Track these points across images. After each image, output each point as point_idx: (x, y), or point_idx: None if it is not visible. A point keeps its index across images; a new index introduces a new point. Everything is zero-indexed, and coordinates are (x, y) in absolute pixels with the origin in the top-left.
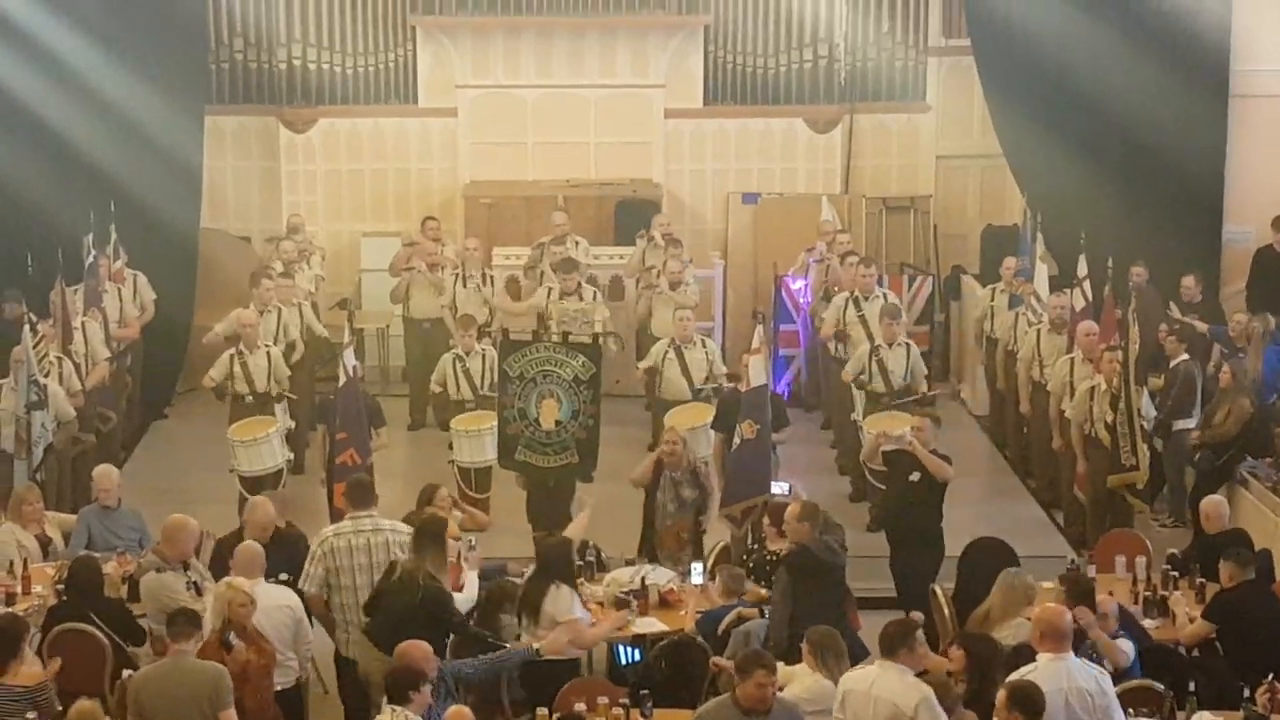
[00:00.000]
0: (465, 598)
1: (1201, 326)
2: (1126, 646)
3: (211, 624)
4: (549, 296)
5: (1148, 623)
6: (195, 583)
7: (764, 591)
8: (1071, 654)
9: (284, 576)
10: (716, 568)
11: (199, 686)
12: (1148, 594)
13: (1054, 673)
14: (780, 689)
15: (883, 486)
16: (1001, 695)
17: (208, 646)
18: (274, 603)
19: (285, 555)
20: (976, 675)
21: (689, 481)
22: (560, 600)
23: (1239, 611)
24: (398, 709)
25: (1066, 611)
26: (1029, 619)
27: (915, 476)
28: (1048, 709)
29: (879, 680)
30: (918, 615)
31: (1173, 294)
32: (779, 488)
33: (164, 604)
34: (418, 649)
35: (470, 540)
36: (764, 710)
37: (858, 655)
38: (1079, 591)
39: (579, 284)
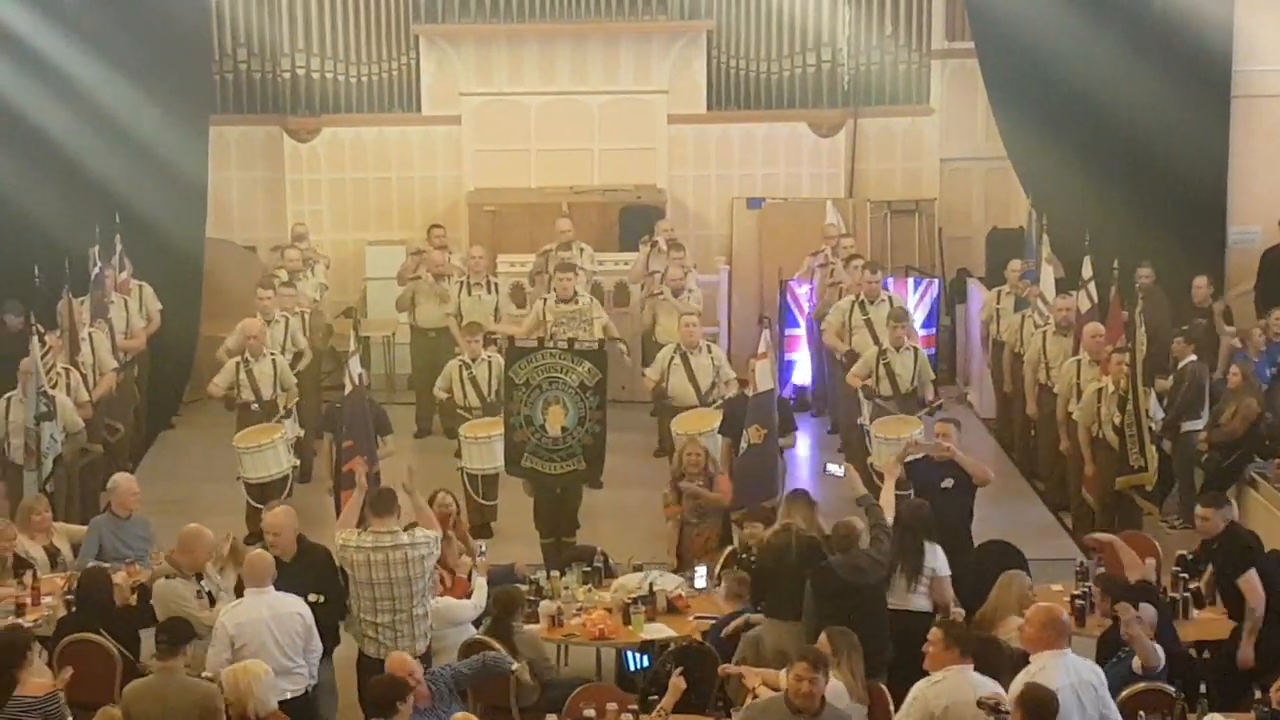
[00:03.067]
0: (474, 604)
1: (1230, 330)
2: (1160, 649)
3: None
4: (545, 304)
5: None
6: (209, 593)
7: None
8: (1070, 649)
9: (316, 598)
10: (722, 572)
11: (188, 706)
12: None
13: (1060, 668)
14: None
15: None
16: (1013, 700)
17: None
18: (286, 610)
19: (314, 574)
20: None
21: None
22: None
23: None
24: None
25: (1062, 607)
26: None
27: (949, 483)
28: (1064, 706)
29: (964, 687)
30: (959, 612)
31: (1179, 295)
32: (835, 470)
33: (173, 611)
34: (400, 659)
35: (480, 546)
36: (813, 711)
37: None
38: (1117, 591)
39: (576, 291)
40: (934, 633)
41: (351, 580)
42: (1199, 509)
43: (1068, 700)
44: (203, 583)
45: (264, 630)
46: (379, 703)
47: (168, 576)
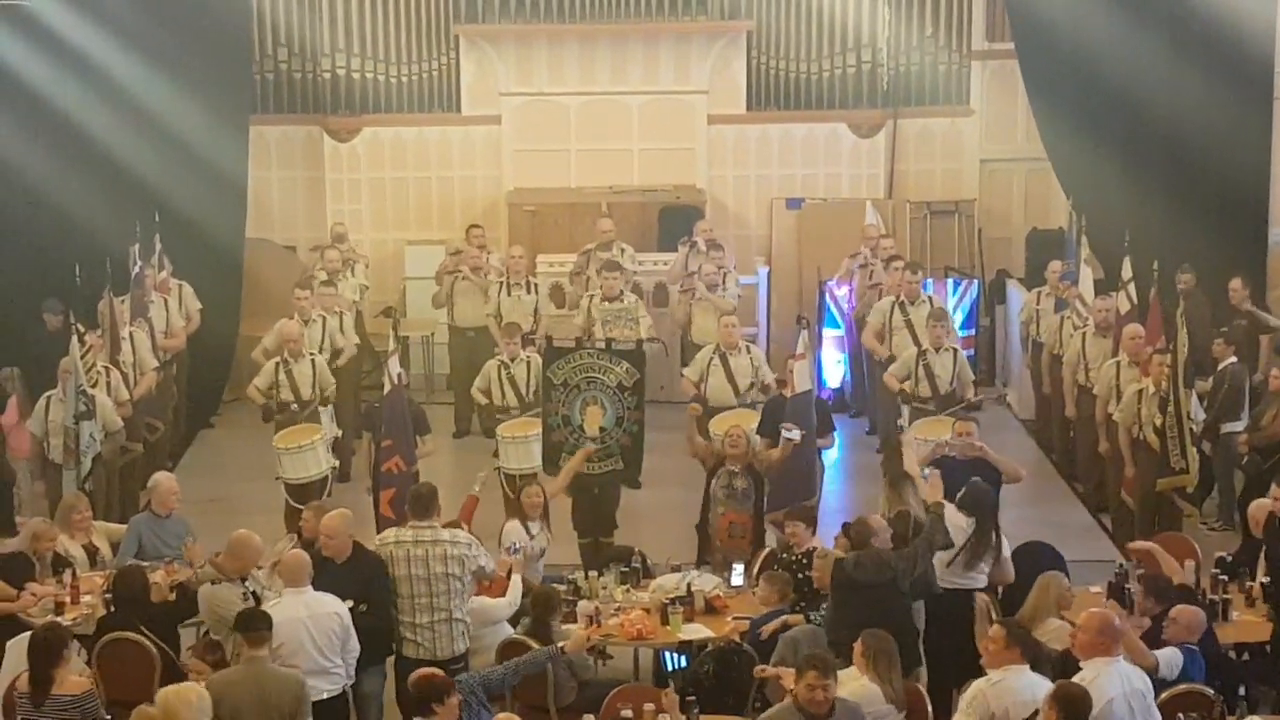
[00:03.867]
0: (509, 601)
1: (1276, 321)
2: (1172, 657)
3: None
4: (591, 301)
5: None
6: (254, 593)
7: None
8: (1121, 656)
9: (360, 606)
10: (761, 575)
11: (281, 695)
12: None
13: (1115, 677)
14: None
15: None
16: (1047, 698)
17: None
18: (324, 610)
19: (362, 577)
20: None
21: (744, 472)
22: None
23: None
24: None
25: (1112, 613)
26: (1066, 620)
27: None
28: (1119, 715)
29: (1024, 691)
30: (983, 598)
31: (1220, 296)
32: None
33: (220, 615)
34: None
35: (514, 544)
36: (823, 714)
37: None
38: (1159, 590)
39: (621, 288)
40: (995, 631)
41: (393, 590)
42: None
43: (1121, 709)
44: (246, 584)
45: (301, 629)
46: (418, 702)
47: (213, 582)
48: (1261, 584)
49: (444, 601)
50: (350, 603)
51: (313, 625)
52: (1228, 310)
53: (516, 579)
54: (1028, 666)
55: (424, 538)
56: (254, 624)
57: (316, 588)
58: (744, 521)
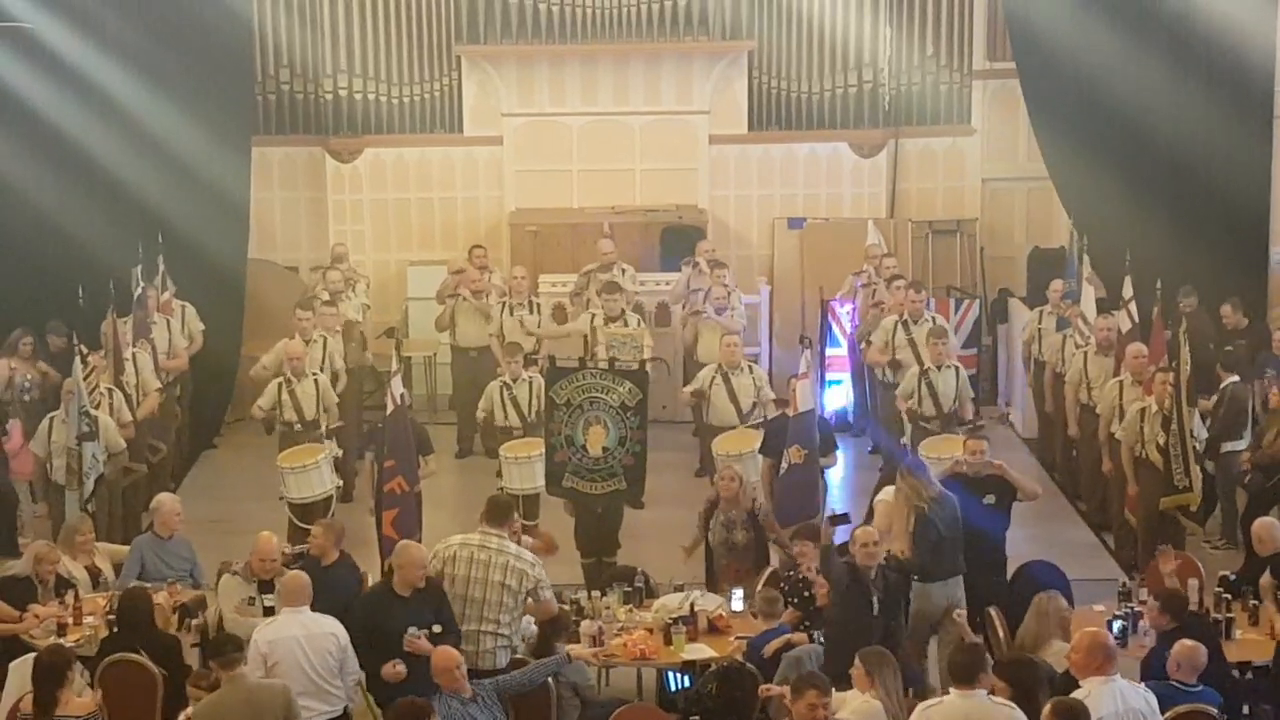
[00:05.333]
0: (523, 622)
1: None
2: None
3: None
4: (593, 321)
5: None
6: (269, 608)
7: (798, 614)
8: (1119, 675)
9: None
10: (759, 592)
11: (272, 702)
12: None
13: (1109, 696)
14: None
15: None
16: (1046, 712)
17: None
18: (320, 630)
19: (433, 606)
20: (1021, 701)
21: (744, 524)
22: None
23: None
24: None
25: (1108, 632)
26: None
27: (990, 499)
28: None
29: (972, 713)
30: (970, 637)
31: (1217, 319)
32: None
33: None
34: (445, 653)
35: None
36: None
37: (912, 680)
38: (1176, 608)
39: (623, 309)
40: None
41: (448, 582)
42: None
43: None
44: (265, 597)
45: (295, 649)
46: None
47: (234, 572)
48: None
49: (494, 613)
50: (426, 630)
51: (308, 645)
52: (1225, 335)
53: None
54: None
55: (491, 545)
56: (223, 649)
57: (385, 621)
58: (748, 568)
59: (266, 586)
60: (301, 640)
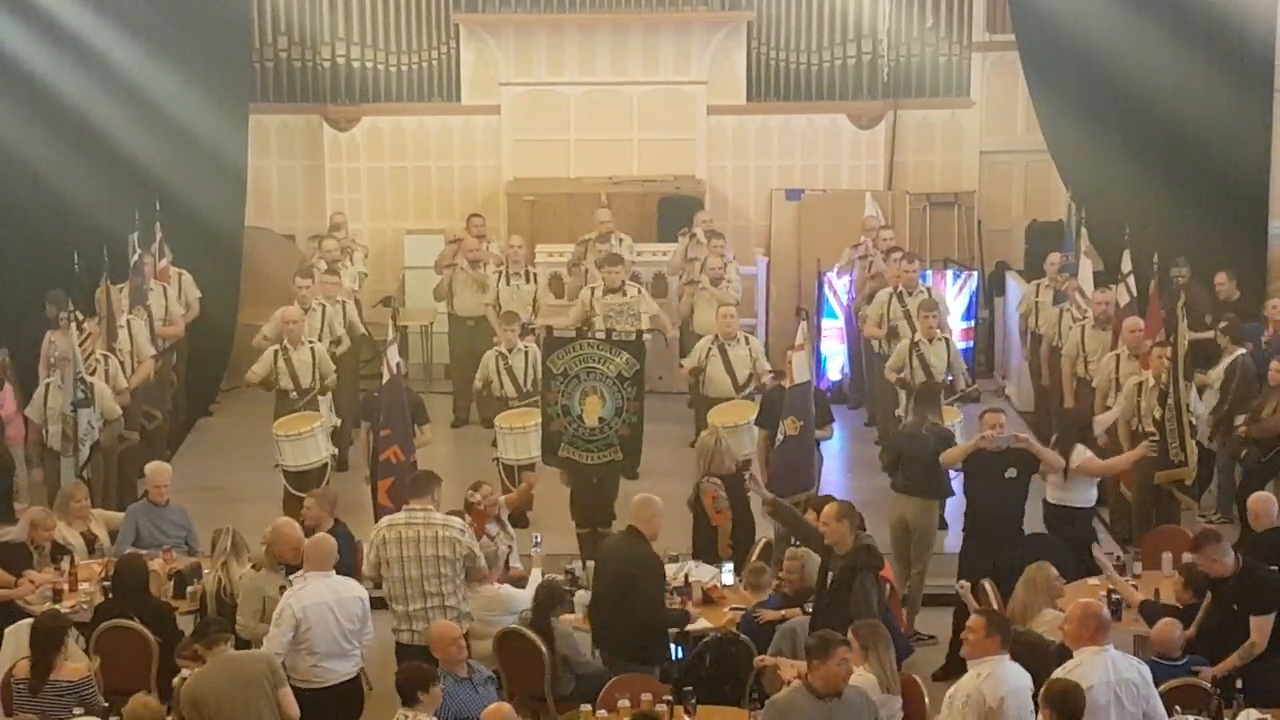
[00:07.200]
0: (526, 595)
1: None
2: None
3: None
4: (593, 294)
5: None
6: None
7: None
8: (1112, 645)
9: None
10: (750, 565)
11: (256, 670)
12: None
13: (1099, 665)
14: None
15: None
16: (1041, 699)
17: None
18: (349, 594)
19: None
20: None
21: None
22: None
23: None
24: (408, 712)
25: (1102, 603)
26: (1060, 610)
27: (1012, 473)
28: (1099, 702)
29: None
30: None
31: (1213, 291)
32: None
33: (255, 608)
34: (444, 627)
35: (536, 538)
36: (837, 693)
37: (900, 651)
38: (1197, 583)
39: (623, 280)
40: (975, 620)
41: (384, 566)
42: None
43: (1103, 696)
44: (291, 577)
45: (327, 613)
46: (403, 691)
47: (254, 567)
48: None
49: (435, 586)
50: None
51: (339, 609)
52: (1219, 306)
53: (536, 572)
54: (1007, 655)
55: (416, 519)
56: (207, 632)
57: None
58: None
59: (294, 570)
60: (332, 605)
